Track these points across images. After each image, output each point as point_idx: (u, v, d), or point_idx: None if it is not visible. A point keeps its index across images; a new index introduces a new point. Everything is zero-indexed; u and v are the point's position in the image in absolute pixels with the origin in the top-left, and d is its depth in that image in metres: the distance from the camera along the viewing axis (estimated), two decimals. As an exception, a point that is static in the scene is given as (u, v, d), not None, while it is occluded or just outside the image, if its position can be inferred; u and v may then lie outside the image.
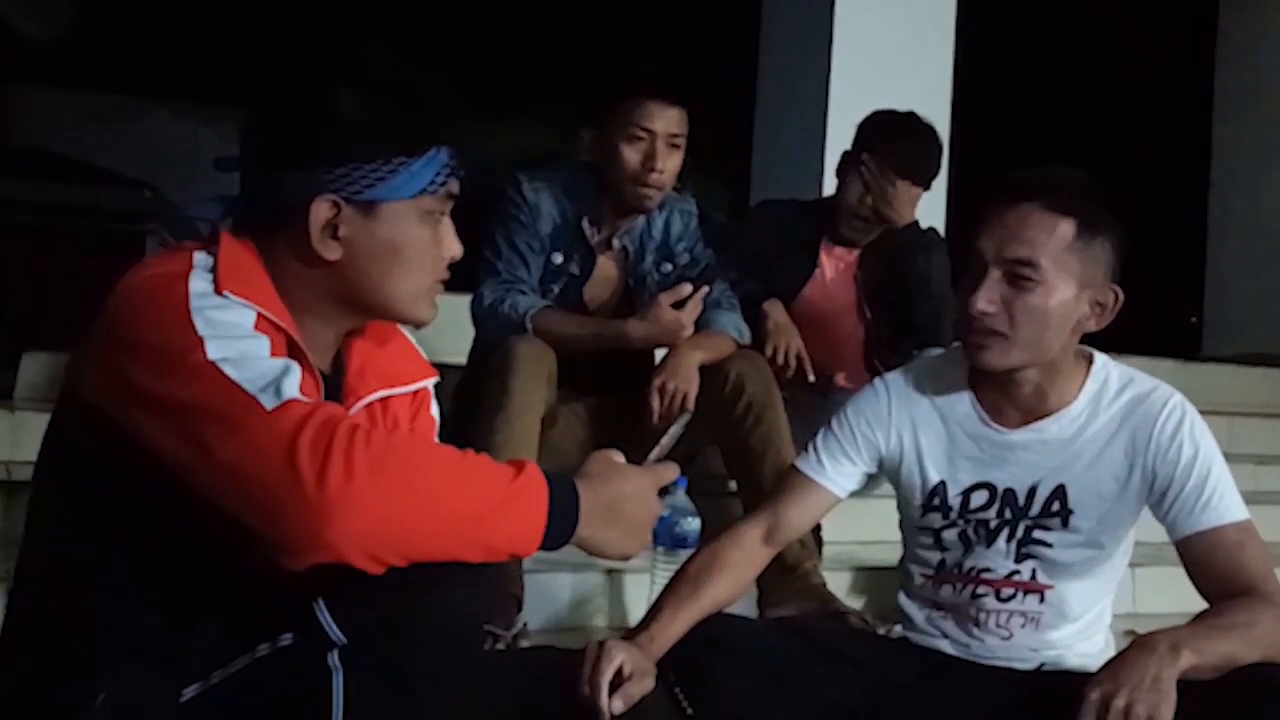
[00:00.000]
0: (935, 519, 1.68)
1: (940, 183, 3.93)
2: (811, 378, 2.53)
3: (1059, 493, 1.61)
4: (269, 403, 1.00)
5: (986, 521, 1.65)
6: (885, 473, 1.74)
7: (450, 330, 2.35)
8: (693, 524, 2.06)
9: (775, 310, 2.58)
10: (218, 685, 1.07)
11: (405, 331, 1.36)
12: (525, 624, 1.95)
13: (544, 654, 1.76)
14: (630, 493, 1.19)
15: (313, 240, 1.15)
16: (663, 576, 2.06)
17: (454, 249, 1.25)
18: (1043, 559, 1.63)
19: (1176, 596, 2.72)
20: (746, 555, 1.67)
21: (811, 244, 2.71)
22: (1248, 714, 1.34)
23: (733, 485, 2.38)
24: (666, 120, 2.28)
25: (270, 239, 1.18)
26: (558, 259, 2.34)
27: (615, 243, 2.39)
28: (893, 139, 2.61)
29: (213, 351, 1.02)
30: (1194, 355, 5.46)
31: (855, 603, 2.29)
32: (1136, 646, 1.38)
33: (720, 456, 2.38)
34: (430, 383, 1.37)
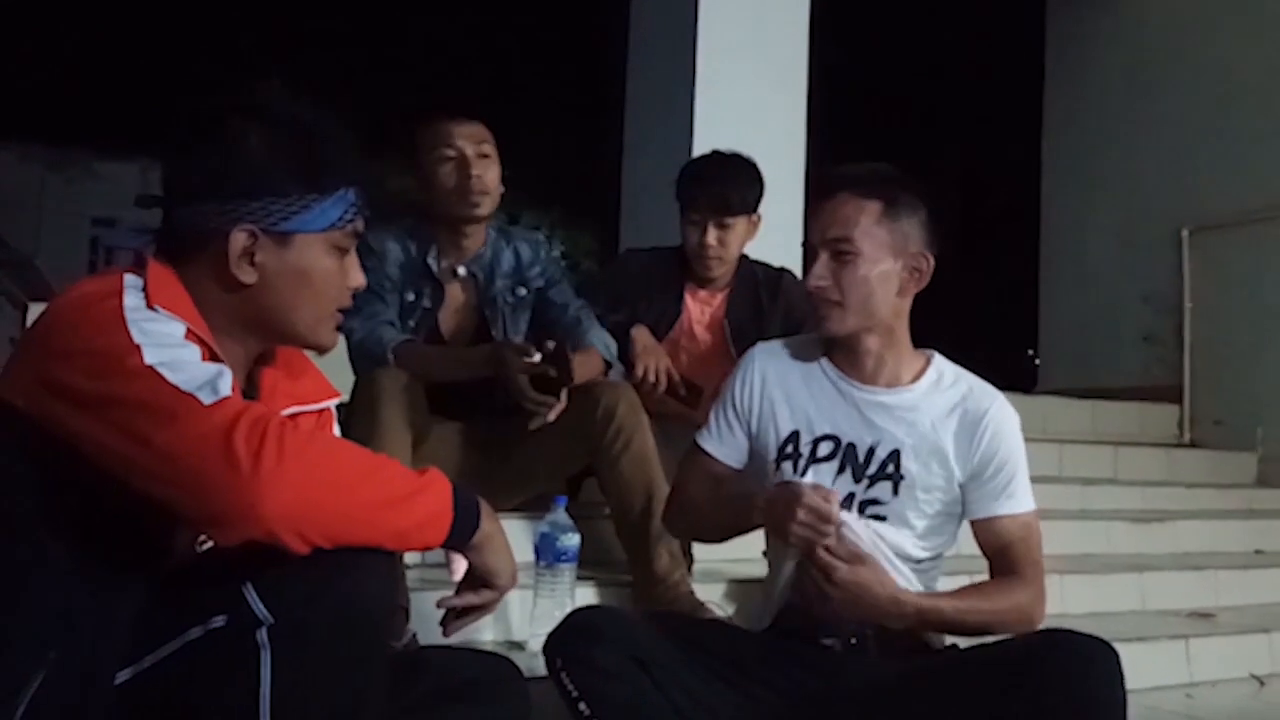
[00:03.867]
0: (787, 469, 1.86)
1: (795, 225, 4.20)
2: (682, 392, 2.69)
3: (894, 456, 1.82)
4: (206, 399, 1.11)
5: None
6: (752, 431, 1.92)
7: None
8: (572, 539, 2.18)
9: (641, 334, 2.73)
10: (150, 668, 1.16)
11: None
12: (415, 634, 2.04)
13: (441, 652, 1.84)
14: None
15: (231, 265, 1.27)
16: (545, 591, 2.17)
17: (358, 279, 1.39)
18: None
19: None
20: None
21: (675, 288, 2.86)
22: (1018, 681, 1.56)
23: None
24: (467, 135, 2.43)
25: (190, 264, 1.29)
26: (410, 296, 2.48)
27: (462, 270, 2.52)
28: (687, 181, 2.81)
29: (149, 357, 1.13)
30: (1031, 389, 5.88)
31: (728, 610, 2.45)
32: (892, 597, 1.72)
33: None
34: (333, 403, 1.49)
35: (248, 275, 1.29)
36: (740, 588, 2.50)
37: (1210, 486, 4.45)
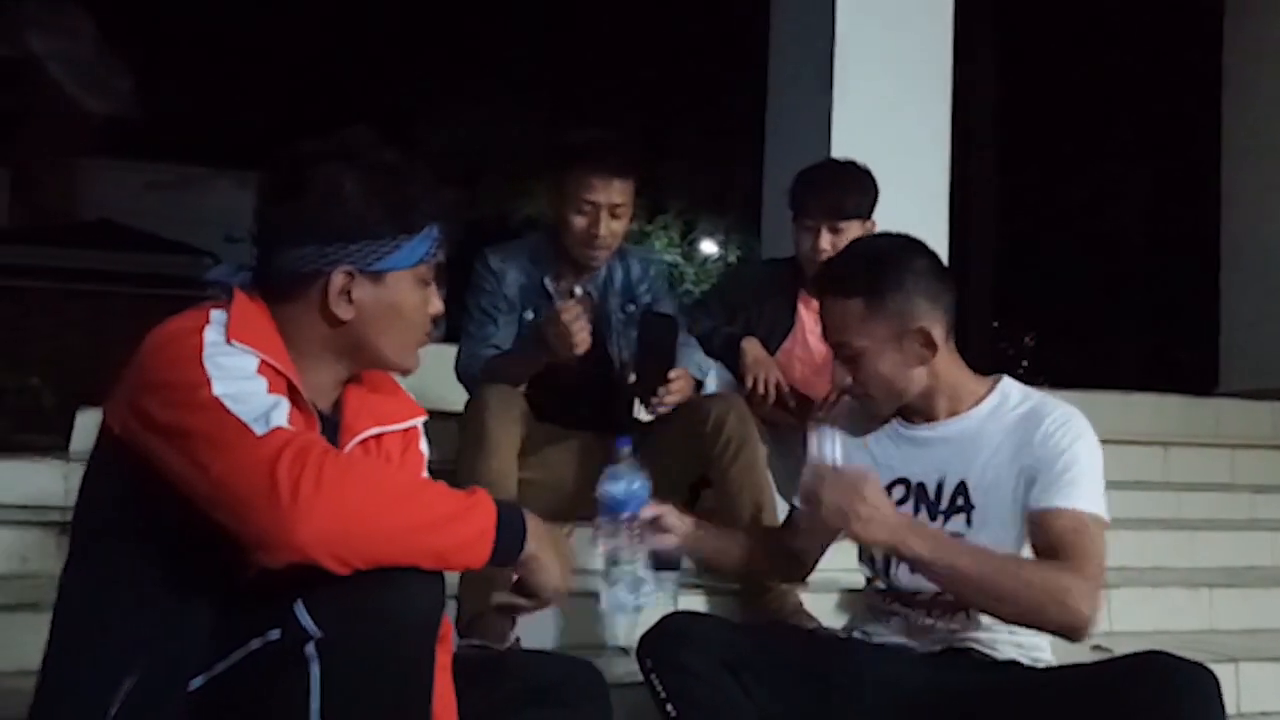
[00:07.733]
0: None
1: (940, 232, 4.13)
2: (792, 404, 2.72)
3: (961, 487, 1.81)
4: (259, 430, 1.21)
5: None
6: None
7: (452, 380, 2.63)
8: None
9: (752, 346, 2.77)
10: (219, 675, 1.27)
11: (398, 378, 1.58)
12: (518, 639, 2.15)
13: (524, 655, 1.94)
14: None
15: (330, 303, 1.39)
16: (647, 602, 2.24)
17: (438, 307, 1.50)
18: None
19: (1146, 616, 2.87)
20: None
21: (789, 298, 2.89)
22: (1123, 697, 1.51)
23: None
24: (608, 192, 2.52)
25: (289, 301, 1.40)
26: (529, 316, 2.61)
27: (578, 290, 2.64)
28: (799, 188, 2.82)
29: (217, 389, 1.24)
30: (1210, 390, 5.56)
31: (839, 620, 2.47)
32: (916, 527, 1.69)
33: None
34: (418, 421, 1.58)
35: (346, 312, 1.40)
36: (853, 598, 2.51)
37: (1406, 495, 4.10)
